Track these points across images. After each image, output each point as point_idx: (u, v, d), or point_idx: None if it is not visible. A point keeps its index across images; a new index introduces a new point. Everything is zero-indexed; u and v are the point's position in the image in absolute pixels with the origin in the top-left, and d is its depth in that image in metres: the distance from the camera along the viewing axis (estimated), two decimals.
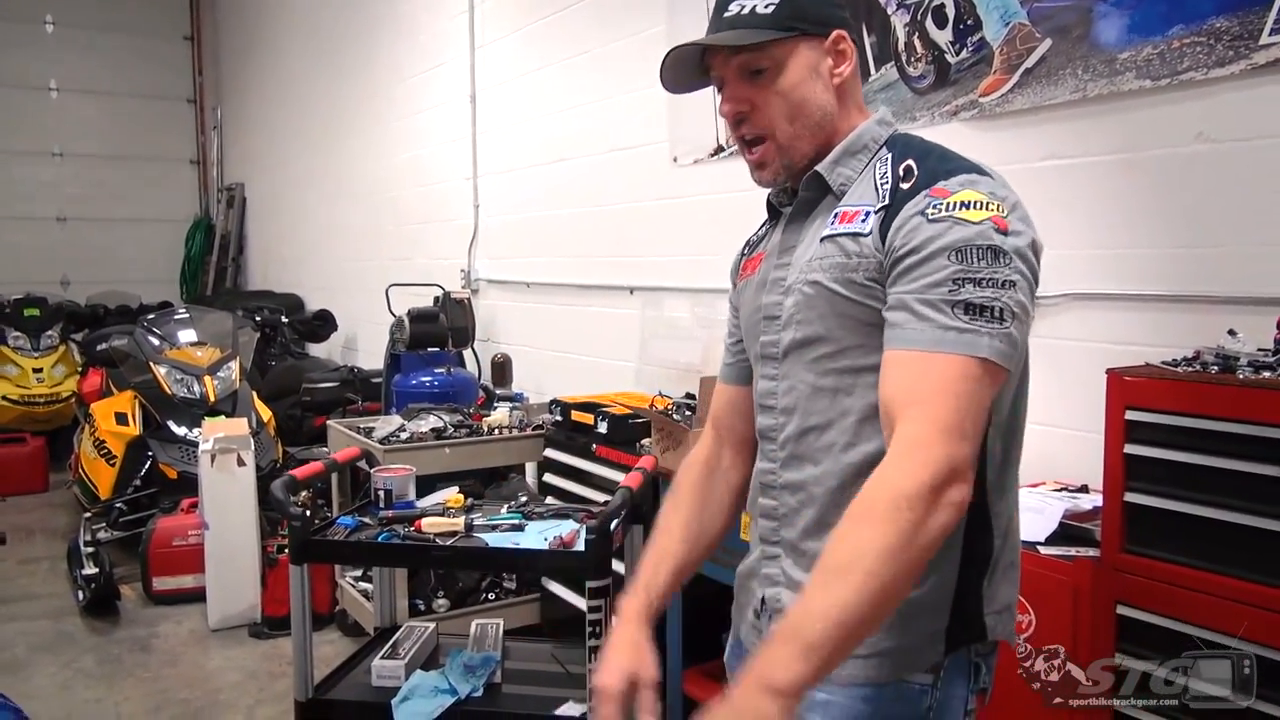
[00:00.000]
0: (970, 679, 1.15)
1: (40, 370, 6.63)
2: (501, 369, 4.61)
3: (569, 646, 2.46)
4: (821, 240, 1.17)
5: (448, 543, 2.16)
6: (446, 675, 2.24)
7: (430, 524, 2.23)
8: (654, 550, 1.36)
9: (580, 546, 2.09)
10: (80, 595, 4.21)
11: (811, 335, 1.16)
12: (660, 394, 3.26)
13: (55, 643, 3.90)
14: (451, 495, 2.45)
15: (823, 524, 1.14)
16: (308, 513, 2.19)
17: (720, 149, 3.47)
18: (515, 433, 3.75)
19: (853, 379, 1.13)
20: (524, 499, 2.44)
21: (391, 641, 2.39)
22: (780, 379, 1.21)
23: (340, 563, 3.73)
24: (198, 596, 4.11)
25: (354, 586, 3.81)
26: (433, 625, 2.52)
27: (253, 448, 4.11)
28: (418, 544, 2.16)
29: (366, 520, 2.29)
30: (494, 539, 2.19)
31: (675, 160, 3.68)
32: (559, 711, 2.14)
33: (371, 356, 5.97)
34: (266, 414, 5.13)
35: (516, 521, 2.29)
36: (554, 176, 4.49)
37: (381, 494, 2.37)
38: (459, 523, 2.24)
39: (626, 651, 1.26)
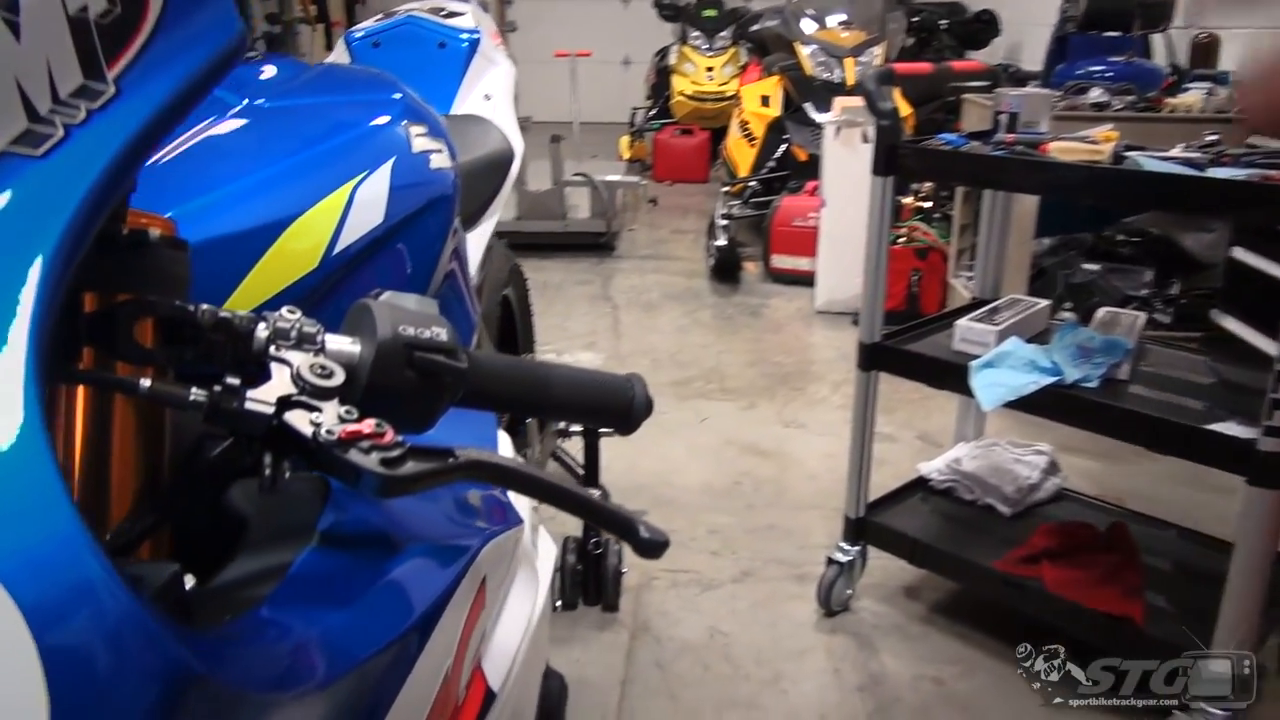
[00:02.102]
0: None
1: (711, 69, 7.02)
2: (1205, 52, 3.51)
3: (1245, 366, 1.73)
4: None
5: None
6: (1051, 353, 1.70)
7: (1062, 149, 1.63)
8: None
9: None
10: (710, 261, 4.45)
11: None
12: None
13: (683, 295, 4.18)
14: (1104, 130, 1.78)
15: None
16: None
17: None
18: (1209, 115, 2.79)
19: None
20: (1213, 137, 1.67)
21: (989, 307, 1.90)
22: None
23: (929, 176, 3.27)
24: (809, 280, 4.04)
25: (966, 285, 3.35)
26: (1046, 303, 1.96)
27: None
28: (1036, 161, 1.59)
29: (978, 144, 1.77)
30: (1155, 167, 1.52)
31: None
32: (1213, 426, 1.48)
33: (1036, 63, 5.12)
34: (905, 109, 4.70)
35: (1194, 157, 1.57)
36: None
37: (1004, 119, 1.81)
38: (1104, 150, 1.60)
39: None
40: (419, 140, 0.90)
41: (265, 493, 0.50)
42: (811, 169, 4.38)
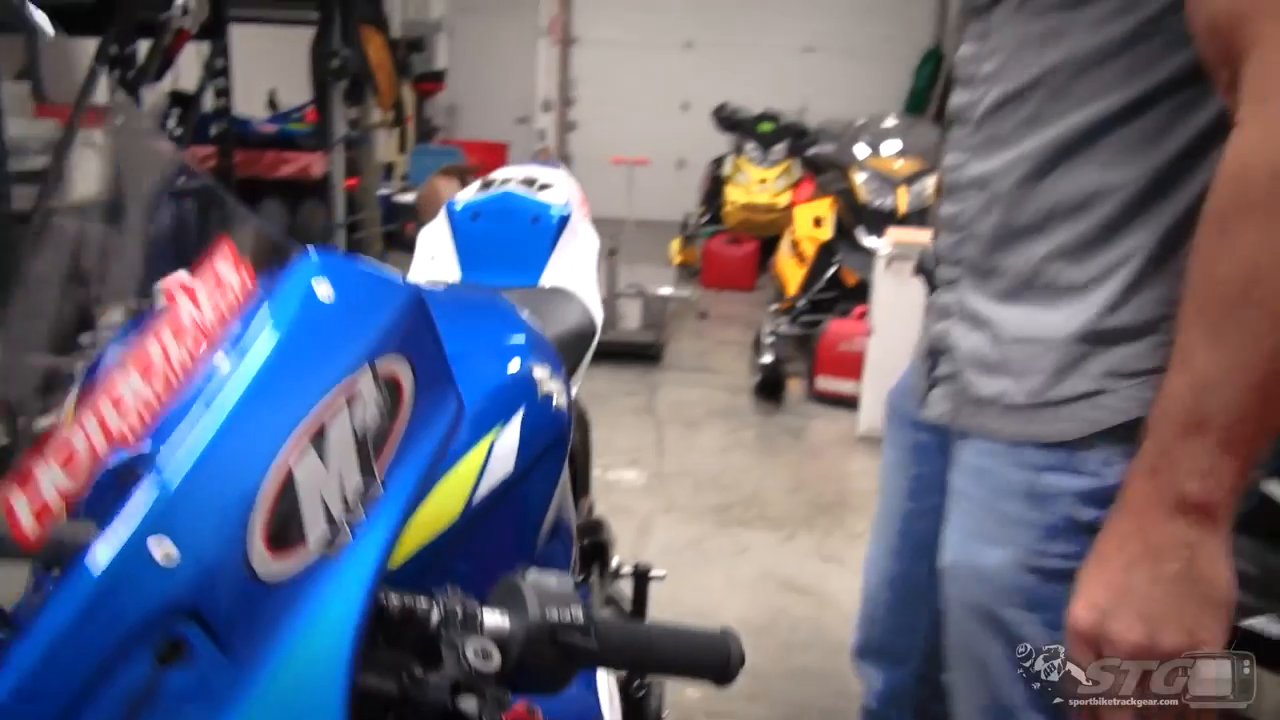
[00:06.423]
0: None
1: (765, 180, 7.21)
2: None
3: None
4: None
5: None
6: None
7: None
8: None
9: None
10: (755, 378, 4.53)
11: None
12: None
13: (726, 412, 4.25)
14: None
15: (1008, 232, 0.85)
16: None
17: None
18: None
19: (1069, 17, 0.79)
20: None
21: None
22: (986, 38, 0.88)
23: None
24: (852, 403, 4.11)
25: None
26: None
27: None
28: None
29: None
30: None
31: None
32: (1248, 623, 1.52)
33: None
34: None
35: None
36: None
37: None
38: None
39: None
40: (544, 384, 0.96)
41: None
42: (860, 293, 4.49)
